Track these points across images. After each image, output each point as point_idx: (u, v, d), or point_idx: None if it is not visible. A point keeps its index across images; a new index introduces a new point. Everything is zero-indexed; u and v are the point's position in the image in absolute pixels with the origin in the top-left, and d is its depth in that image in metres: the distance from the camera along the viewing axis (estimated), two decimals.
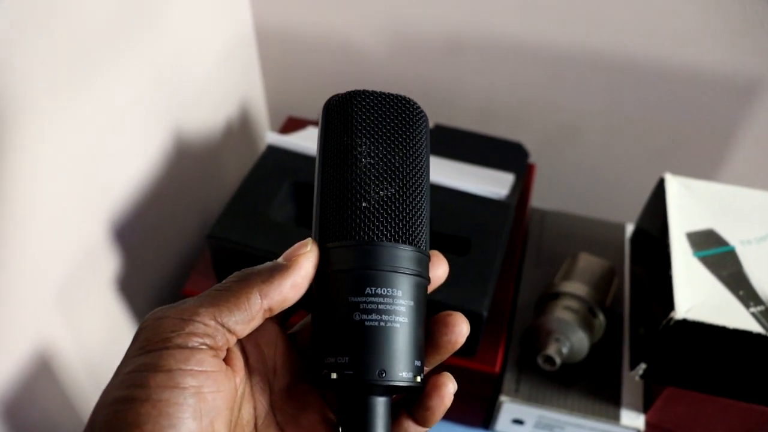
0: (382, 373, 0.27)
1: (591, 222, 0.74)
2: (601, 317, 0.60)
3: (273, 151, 0.66)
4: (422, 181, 0.30)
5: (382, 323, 0.27)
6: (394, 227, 0.28)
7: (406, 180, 0.29)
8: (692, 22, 0.68)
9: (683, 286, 0.51)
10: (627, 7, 0.69)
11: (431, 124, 0.72)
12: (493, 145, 0.70)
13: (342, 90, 0.30)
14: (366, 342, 0.27)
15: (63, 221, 0.54)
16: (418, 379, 0.28)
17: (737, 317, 0.49)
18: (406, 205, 0.29)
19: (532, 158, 0.76)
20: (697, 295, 0.51)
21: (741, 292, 0.51)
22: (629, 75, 0.74)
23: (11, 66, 0.46)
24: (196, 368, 0.25)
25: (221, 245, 0.58)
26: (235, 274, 0.28)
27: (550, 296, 0.61)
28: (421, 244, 0.29)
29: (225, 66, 0.78)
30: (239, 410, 0.28)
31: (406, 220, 0.28)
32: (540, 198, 0.84)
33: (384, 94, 0.30)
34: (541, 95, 0.79)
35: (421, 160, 0.30)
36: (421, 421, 0.29)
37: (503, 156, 0.68)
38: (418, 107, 0.30)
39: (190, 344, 0.25)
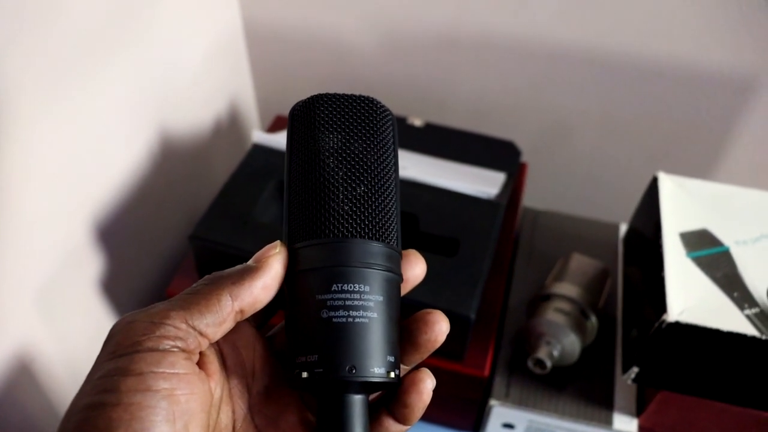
0: (352, 369, 0.26)
1: (584, 222, 0.73)
2: (594, 319, 0.59)
3: (259, 150, 0.65)
4: (389, 178, 0.30)
5: (350, 319, 0.27)
6: (359, 224, 0.28)
7: (372, 178, 0.29)
8: (687, 20, 0.67)
9: (676, 288, 0.50)
10: (621, 4, 0.68)
11: (421, 123, 0.71)
12: (484, 143, 0.69)
13: (332, 88, 0.31)
14: (334, 338, 0.27)
15: (45, 221, 0.53)
16: (392, 374, 0.27)
17: (731, 320, 0.48)
18: (371, 202, 0.29)
19: (525, 157, 0.75)
20: (690, 297, 0.49)
21: (735, 294, 0.50)
22: (623, 73, 0.73)
23: None
24: (167, 371, 0.24)
25: (204, 246, 0.56)
26: (206, 277, 0.28)
27: (541, 298, 0.60)
28: (390, 239, 0.29)
29: (214, 64, 0.76)
30: (217, 414, 0.28)
31: (371, 217, 0.28)
32: (532, 197, 0.82)
33: (347, 95, 0.30)
34: (534, 93, 0.78)
35: (387, 158, 0.30)
36: (401, 419, 0.29)
37: (495, 155, 0.67)
38: (382, 106, 0.31)
39: (161, 347, 0.25)
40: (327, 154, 0.29)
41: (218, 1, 0.75)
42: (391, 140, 0.30)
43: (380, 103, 0.30)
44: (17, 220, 0.50)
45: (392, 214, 0.29)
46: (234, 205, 0.59)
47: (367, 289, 0.27)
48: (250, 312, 0.27)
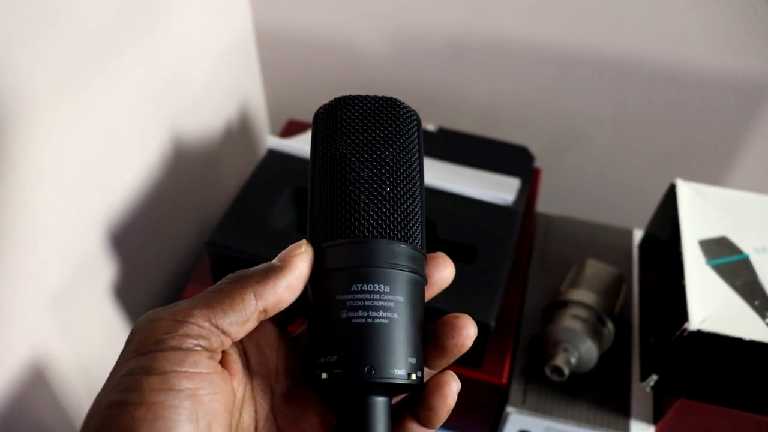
0: (371, 371, 0.26)
1: (598, 227, 0.73)
2: (610, 326, 0.59)
3: (273, 155, 0.64)
4: (414, 179, 0.30)
5: (369, 319, 0.27)
6: (382, 224, 0.28)
7: (396, 178, 0.29)
8: (701, 25, 0.67)
9: (696, 296, 0.50)
10: (635, 9, 0.68)
11: (434, 128, 0.70)
12: (498, 149, 0.69)
13: (343, 93, 0.31)
14: (353, 339, 0.26)
15: (59, 227, 0.53)
16: (414, 376, 0.27)
17: (753, 328, 0.48)
18: (394, 202, 0.28)
19: (538, 162, 0.74)
20: (710, 306, 0.49)
21: (756, 302, 0.50)
22: (637, 78, 0.73)
23: (10, 70, 0.44)
24: (190, 370, 0.24)
25: (221, 252, 0.56)
26: (229, 276, 0.28)
27: (557, 304, 0.60)
28: (414, 240, 0.29)
29: (225, 68, 0.76)
30: (239, 413, 0.28)
31: (394, 217, 0.28)
32: (546, 203, 0.82)
33: (370, 97, 0.30)
34: (547, 98, 0.77)
35: (412, 159, 0.30)
36: (425, 422, 0.29)
37: (508, 160, 0.67)
38: (406, 106, 0.30)
39: (184, 346, 0.25)
40: (351, 154, 0.29)
41: (229, 5, 0.75)
42: (416, 141, 0.30)
43: (404, 104, 0.30)
44: (30, 227, 0.50)
45: (417, 214, 0.29)
46: (250, 211, 0.59)
47: (387, 289, 0.27)
48: (273, 311, 0.27)
